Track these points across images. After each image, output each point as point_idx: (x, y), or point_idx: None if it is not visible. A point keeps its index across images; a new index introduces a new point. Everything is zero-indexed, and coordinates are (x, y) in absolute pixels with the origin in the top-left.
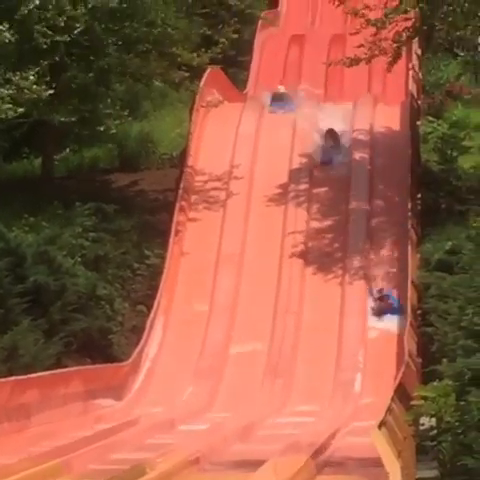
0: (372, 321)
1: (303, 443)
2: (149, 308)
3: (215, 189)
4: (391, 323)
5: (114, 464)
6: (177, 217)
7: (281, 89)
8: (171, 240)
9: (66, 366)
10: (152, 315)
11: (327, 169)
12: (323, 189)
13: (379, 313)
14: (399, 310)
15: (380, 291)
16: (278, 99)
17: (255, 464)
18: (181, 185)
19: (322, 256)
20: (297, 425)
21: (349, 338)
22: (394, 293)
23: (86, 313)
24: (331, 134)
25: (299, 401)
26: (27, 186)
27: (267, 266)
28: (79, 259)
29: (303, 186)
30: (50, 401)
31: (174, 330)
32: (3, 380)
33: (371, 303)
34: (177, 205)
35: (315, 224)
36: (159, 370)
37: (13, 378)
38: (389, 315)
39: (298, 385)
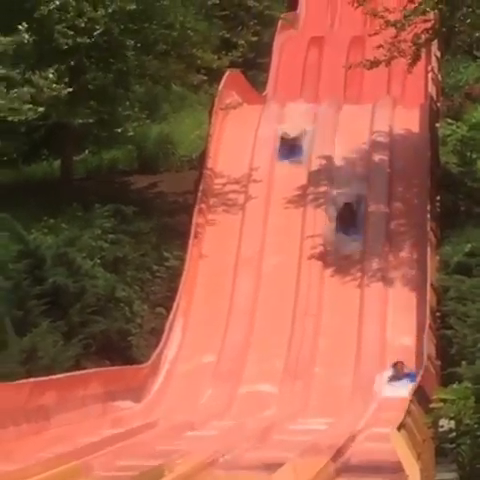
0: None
1: (322, 445)
2: (168, 310)
3: (234, 192)
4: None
5: (132, 467)
6: (196, 219)
7: (289, 133)
8: (190, 242)
9: (85, 368)
10: (171, 317)
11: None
12: (342, 190)
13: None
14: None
15: (398, 363)
16: (286, 145)
17: (274, 466)
18: (200, 187)
19: (341, 258)
20: (316, 428)
21: (368, 341)
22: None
23: (105, 315)
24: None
25: (318, 403)
26: (46, 188)
27: (286, 268)
28: (98, 261)
29: (322, 188)
30: (69, 403)
31: (193, 332)
32: (22, 382)
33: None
34: (196, 207)
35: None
36: (178, 372)
37: (32, 380)
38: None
39: (317, 388)
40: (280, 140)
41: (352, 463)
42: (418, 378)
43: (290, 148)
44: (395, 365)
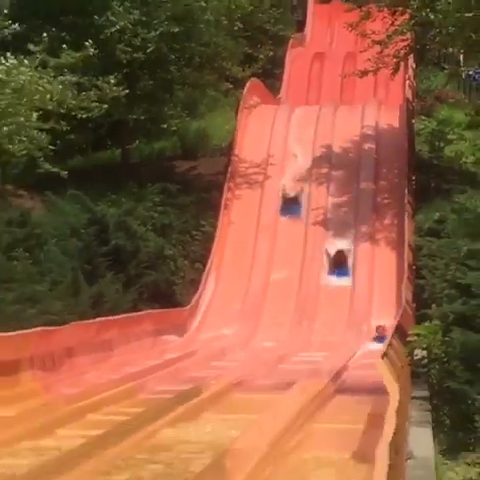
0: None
1: (323, 371)
2: (204, 265)
3: (255, 173)
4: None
5: (177, 386)
6: (226, 194)
7: (289, 193)
8: (221, 213)
9: (140, 310)
10: (206, 271)
11: None
12: (340, 172)
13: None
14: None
15: (380, 327)
16: (287, 204)
17: (286, 386)
18: (229, 169)
19: (338, 224)
20: (319, 356)
21: (360, 288)
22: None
23: (155, 269)
24: (339, 257)
25: (321, 337)
26: (109, 171)
27: (296, 233)
28: (150, 227)
29: (324, 170)
30: (127, 337)
31: (224, 282)
32: (91, 321)
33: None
34: (226, 185)
35: (333, 200)
36: (212, 313)
37: (99, 319)
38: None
39: (319, 326)
40: (281, 198)
41: (347, 385)
42: (397, 318)
43: (290, 205)
44: (378, 328)
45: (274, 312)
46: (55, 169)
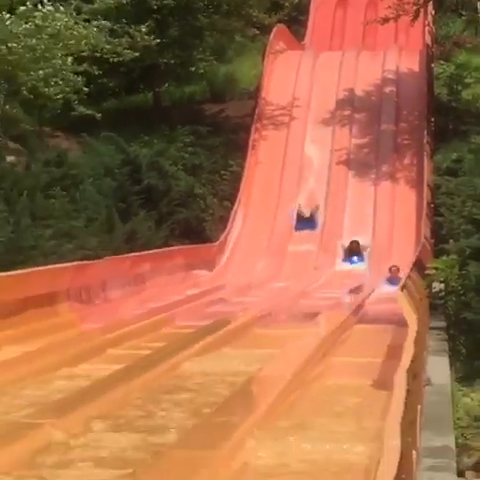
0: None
1: (345, 304)
2: (232, 203)
3: (281, 115)
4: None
5: (207, 317)
6: (253, 136)
7: (305, 212)
8: (248, 153)
9: (171, 246)
10: (235, 208)
11: None
12: (362, 114)
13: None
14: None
15: (394, 267)
16: (302, 221)
17: (311, 317)
18: (256, 112)
19: (360, 164)
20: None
21: (381, 225)
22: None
23: (186, 207)
24: (355, 246)
25: (342, 270)
26: (142, 113)
27: (320, 172)
28: (181, 167)
29: (346, 112)
30: (159, 271)
31: (251, 219)
32: (125, 256)
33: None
34: (253, 127)
35: (355, 141)
36: (240, 249)
37: (132, 254)
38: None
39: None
40: (296, 217)
41: (368, 315)
42: (416, 253)
43: (305, 222)
44: (391, 268)
45: (299, 248)
46: (90, 111)
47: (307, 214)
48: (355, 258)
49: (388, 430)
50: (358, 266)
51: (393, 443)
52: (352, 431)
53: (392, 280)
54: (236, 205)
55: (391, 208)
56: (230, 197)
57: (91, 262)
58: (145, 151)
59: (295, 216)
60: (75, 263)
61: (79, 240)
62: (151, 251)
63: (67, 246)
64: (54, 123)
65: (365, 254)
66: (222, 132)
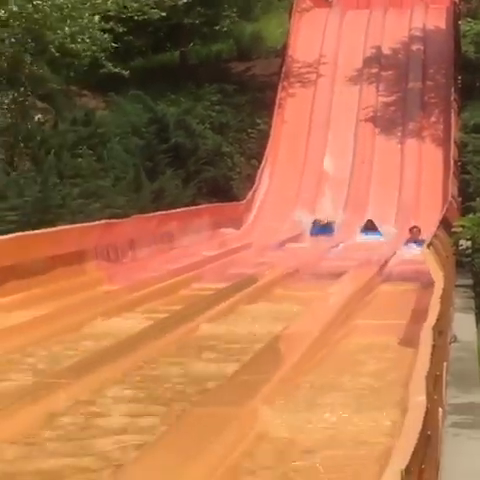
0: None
1: (373, 260)
2: (259, 162)
3: (308, 72)
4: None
5: (234, 275)
6: (280, 94)
7: (322, 220)
8: (275, 111)
9: (198, 204)
10: (262, 167)
11: None
12: (389, 72)
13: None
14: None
15: (415, 228)
16: (318, 227)
17: (338, 274)
18: (283, 70)
19: (387, 122)
20: (368, 247)
21: (407, 185)
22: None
23: (213, 165)
24: (370, 225)
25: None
26: (169, 72)
27: (347, 131)
28: (208, 125)
29: (373, 70)
30: (187, 230)
31: (278, 178)
32: (152, 214)
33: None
34: (280, 85)
35: (382, 98)
36: (267, 207)
37: (159, 213)
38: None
39: (369, 217)
40: (313, 224)
41: (394, 274)
42: (443, 211)
43: (322, 228)
44: (412, 229)
45: (325, 206)
46: (117, 69)
47: (324, 221)
48: (371, 232)
49: (413, 387)
50: (375, 238)
51: (418, 399)
52: (377, 389)
53: (413, 242)
54: (263, 163)
55: (418, 166)
56: (257, 155)
57: (118, 221)
58: (172, 110)
59: (311, 223)
60: (102, 222)
61: (106, 199)
62: (178, 210)
63: (94, 205)
64: (81, 82)
65: (381, 231)
66: (249, 90)
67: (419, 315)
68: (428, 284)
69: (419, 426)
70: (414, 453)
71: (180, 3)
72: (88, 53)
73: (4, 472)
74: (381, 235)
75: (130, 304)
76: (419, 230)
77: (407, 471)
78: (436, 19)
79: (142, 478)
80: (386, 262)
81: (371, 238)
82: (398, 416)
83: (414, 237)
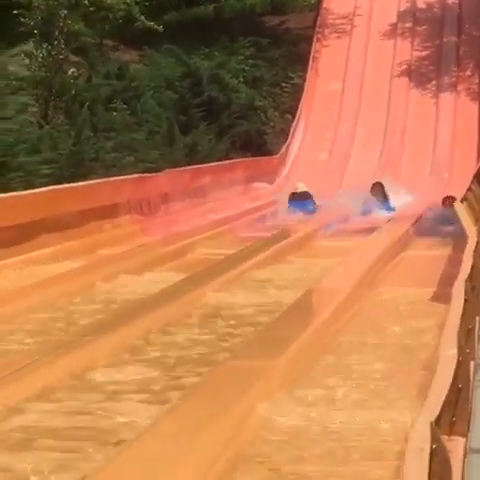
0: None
1: (407, 214)
2: (293, 116)
3: (343, 24)
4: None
5: (267, 229)
6: (314, 47)
7: (300, 187)
8: (309, 64)
9: (232, 158)
10: (295, 121)
11: None
12: (423, 27)
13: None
14: None
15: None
16: (295, 199)
17: (370, 230)
18: (317, 23)
19: (422, 77)
20: (402, 202)
21: (441, 138)
22: None
23: (247, 119)
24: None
25: (404, 186)
26: (203, 26)
27: (381, 84)
28: (241, 79)
29: (408, 24)
30: (220, 184)
31: (312, 132)
32: (185, 168)
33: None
34: (314, 38)
35: (417, 53)
36: (300, 162)
37: (193, 167)
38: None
39: (403, 175)
40: (290, 195)
41: (426, 229)
42: (478, 165)
43: (299, 201)
44: (445, 201)
45: (359, 161)
46: (151, 23)
47: (302, 189)
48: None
49: (445, 340)
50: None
51: (450, 353)
52: (409, 344)
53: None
54: (297, 117)
55: (452, 120)
56: (291, 109)
57: (152, 175)
58: (206, 63)
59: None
60: (136, 175)
61: (140, 153)
62: (211, 164)
63: (128, 159)
64: (115, 36)
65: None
66: (283, 44)
67: (452, 268)
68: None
69: (450, 379)
70: (444, 405)
71: None
72: (122, 7)
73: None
74: (313, 208)
75: (163, 257)
76: (454, 199)
77: (437, 423)
78: None
79: (175, 429)
80: (420, 217)
81: (299, 209)
82: (429, 373)
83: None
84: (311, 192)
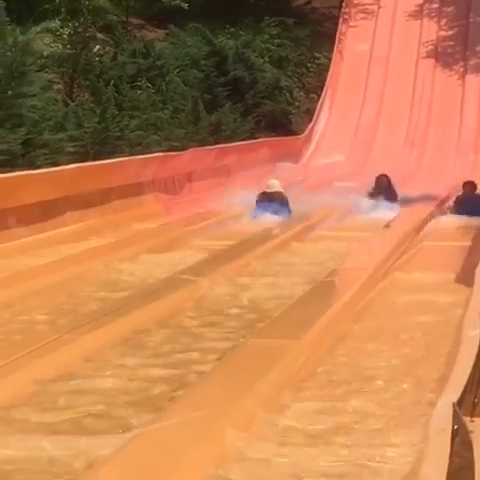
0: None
1: (432, 195)
2: (319, 96)
3: (369, 4)
4: None
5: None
6: (340, 27)
7: (273, 186)
8: (335, 45)
9: (257, 138)
10: (321, 101)
11: None
12: (450, 8)
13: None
14: None
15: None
16: (265, 201)
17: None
18: (343, 2)
19: (448, 57)
20: (426, 184)
21: (467, 120)
22: None
23: (272, 99)
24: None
25: (429, 169)
26: (228, 4)
27: (407, 65)
28: (267, 59)
29: (435, 5)
30: (245, 163)
31: (337, 112)
32: (210, 147)
33: None
34: (340, 18)
35: (443, 33)
36: (325, 142)
37: (218, 146)
38: None
39: (429, 154)
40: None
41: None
42: None
43: (269, 203)
44: (464, 185)
45: (384, 142)
46: (177, 1)
47: (276, 188)
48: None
49: (468, 321)
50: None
51: (472, 334)
52: (432, 324)
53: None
54: (322, 98)
55: (479, 101)
56: (316, 89)
57: (176, 153)
58: (231, 42)
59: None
60: (161, 154)
61: (165, 131)
62: (236, 143)
63: (153, 137)
64: (141, 14)
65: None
66: (309, 24)
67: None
68: None
69: (472, 360)
70: (467, 387)
71: None
72: None
73: None
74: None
75: (187, 236)
76: (475, 186)
77: (459, 404)
78: None
79: (208, 396)
80: (445, 199)
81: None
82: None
83: (468, 193)
84: (286, 193)
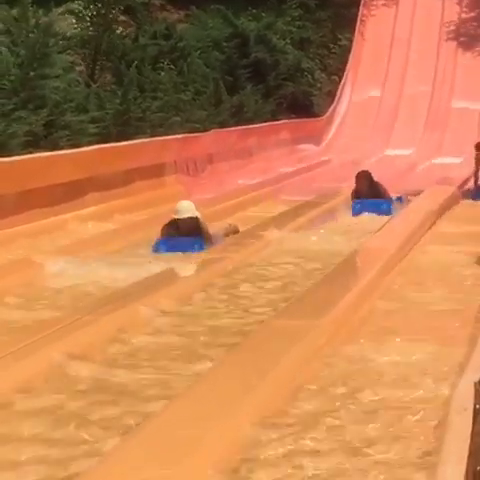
0: None
1: (452, 178)
2: (340, 78)
3: None
4: None
5: (313, 191)
6: (362, 10)
7: (185, 209)
8: (357, 27)
9: (278, 120)
10: (342, 83)
11: None
12: None
13: None
14: None
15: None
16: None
17: (418, 192)
18: None
19: (470, 37)
20: (447, 166)
21: None
22: None
23: (294, 81)
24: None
25: (449, 150)
26: None
27: (428, 47)
28: (289, 41)
29: None
30: (266, 145)
31: (359, 94)
32: (232, 129)
33: None
34: (362, 1)
35: (465, 15)
36: (347, 124)
37: (239, 127)
38: None
39: (449, 139)
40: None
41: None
42: None
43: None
44: (478, 145)
45: (406, 125)
46: None
47: (189, 213)
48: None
49: None
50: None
51: None
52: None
53: None
54: (344, 80)
55: None
56: (338, 71)
57: (198, 135)
58: (253, 24)
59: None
60: (182, 135)
61: (186, 113)
62: (258, 125)
63: (174, 119)
64: None
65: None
66: (331, 6)
67: None
68: None
69: None
70: None
71: None
72: None
73: None
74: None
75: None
76: None
77: None
78: None
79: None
80: (466, 181)
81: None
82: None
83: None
84: (204, 220)
